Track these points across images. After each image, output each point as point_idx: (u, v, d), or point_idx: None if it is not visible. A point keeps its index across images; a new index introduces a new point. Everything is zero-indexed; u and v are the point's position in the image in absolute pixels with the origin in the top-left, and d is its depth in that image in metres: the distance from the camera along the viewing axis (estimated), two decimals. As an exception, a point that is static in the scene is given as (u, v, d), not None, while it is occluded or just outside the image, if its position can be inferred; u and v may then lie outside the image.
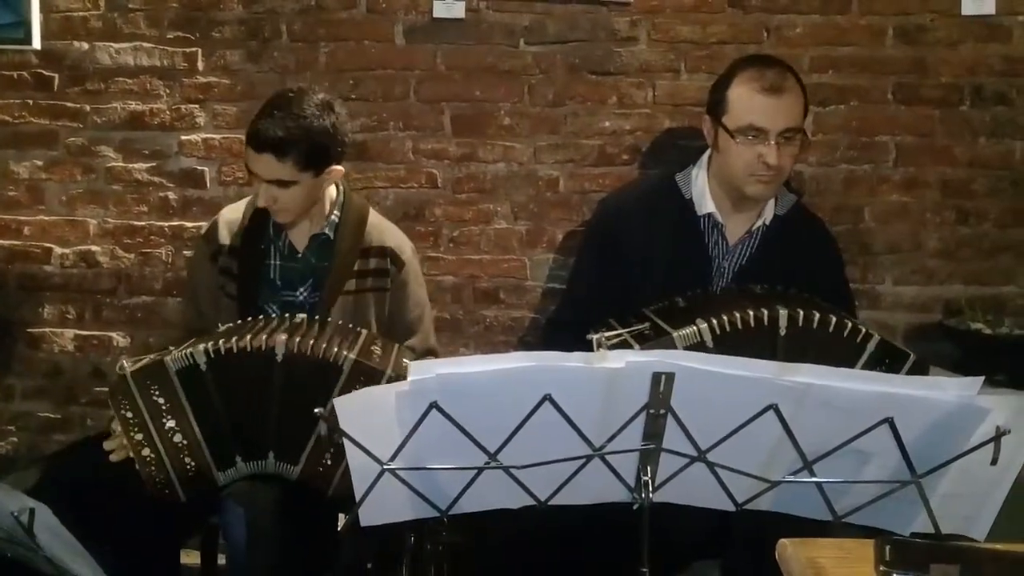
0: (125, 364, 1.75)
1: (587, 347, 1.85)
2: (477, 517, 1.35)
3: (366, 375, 1.71)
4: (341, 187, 2.12)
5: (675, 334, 1.69)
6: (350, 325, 1.92)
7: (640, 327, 1.76)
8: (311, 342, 1.76)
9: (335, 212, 2.08)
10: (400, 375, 1.66)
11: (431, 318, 2.21)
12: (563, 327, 2.12)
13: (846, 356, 1.73)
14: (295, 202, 1.97)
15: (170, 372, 1.74)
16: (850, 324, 1.75)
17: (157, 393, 1.74)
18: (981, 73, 2.44)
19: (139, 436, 1.74)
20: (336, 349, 1.75)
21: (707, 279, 2.04)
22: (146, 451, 1.75)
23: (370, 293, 2.06)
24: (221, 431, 1.77)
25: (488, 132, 2.52)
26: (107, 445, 1.82)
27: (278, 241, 2.08)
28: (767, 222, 2.06)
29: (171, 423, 1.75)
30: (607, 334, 1.73)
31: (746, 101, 1.94)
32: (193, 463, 1.77)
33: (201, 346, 1.75)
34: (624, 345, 1.69)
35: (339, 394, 1.64)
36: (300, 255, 2.08)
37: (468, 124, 2.52)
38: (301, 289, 2.07)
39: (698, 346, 1.70)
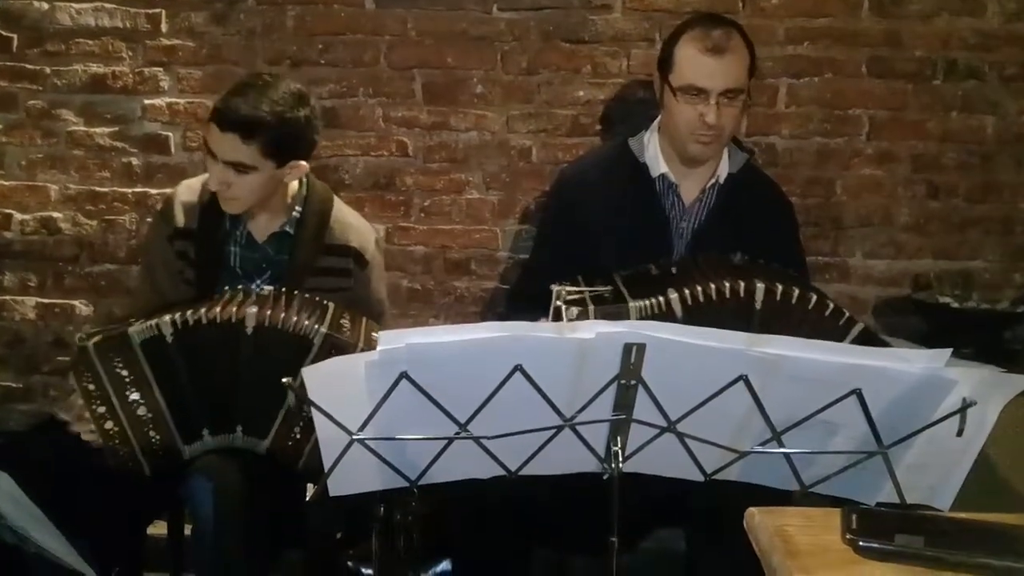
0: (85, 336, 1.71)
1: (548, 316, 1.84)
2: (447, 487, 1.35)
3: (338, 349, 1.68)
4: (305, 180, 2.03)
5: (631, 304, 1.69)
6: (316, 298, 1.85)
7: (602, 289, 1.74)
8: (281, 315, 1.73)
9: (297, 207, 2.00)
10: (371, 349, 1.65)
11: (389, 315, 2.18)
12: (524, 299, 2.11)
13: (828, 337, 1.72)
14: (248, 191, 1.87)
15: (134, 344, 1.70)
16: (832, 305, 1.74)
17: (120, 365, 1.70)
18: (954, 47, 2.44)
19: (102, 409, 1.71)
20: (307, 323, 1.72)
21: (667, 241, 2.04)
22: (109, 424, 1.71)
23: (330, 292, 1.98)
24: (187, 404, 1.74)
25: (460, 100, 2.49)
26: (63, 415, 1.79)
27: (235, 230, 1.99)
28: (720, 180, 2.07)
29: (135, 396, 1.71)
30: (569, 288, 1.72)
31: (689, 61, 1.95)
32: (158, 436, 1.74)
33: (167, 317, 1.71)
34: (582, 304, 1.68)
35: None
36: (259, 245, 2.01)
37: (440, 92, 2.48)
38: (259, 281, 2.00)
39: (660, 316, 1.68)
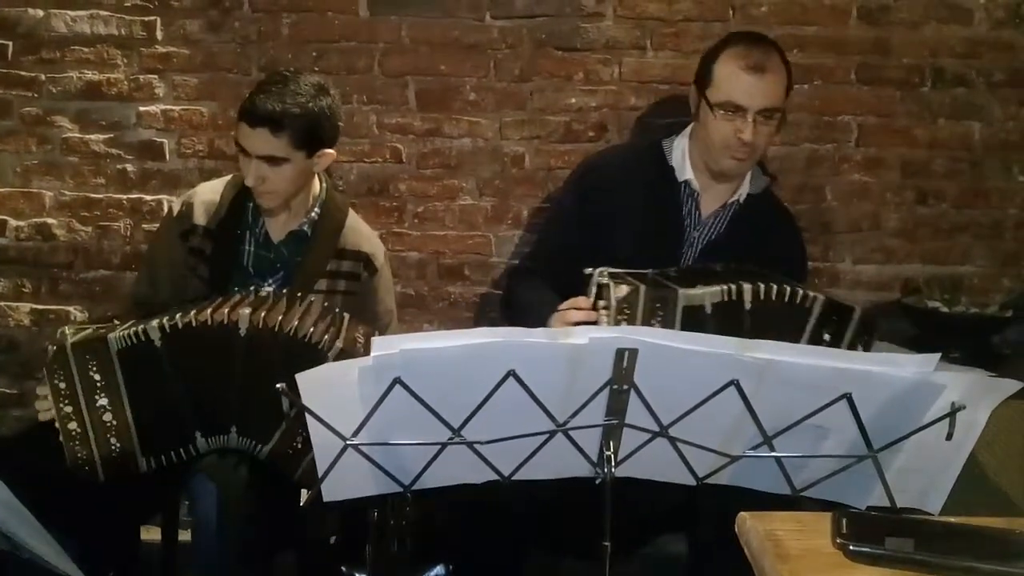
0: (67, 331, 1.71)
1: (553, 292, 1.90)
2: (441, 492, 1.36)
3: None
4: (324, 184, 2.10)
5: (680, 290, 1.71)
6: (326, 304, 1.87)
7: (644, 272, 1.77)
8: (279, 317, 1.74)
9: (315, 209, 2.06)
10: None
11: (397, 327, 2.20)
12: (532, 274, 2.14)
13: (796, 322, 1.76)
14: (284, 183, 1.94)
15: (111, 350, 1.70)
16: (800, 291, 1.78)
17: (94, 368, 1.70)
18: (942, 55, 2.47)
19: (68, 409, 1.70)
20: (314, 329, 1.73)
21: (677, 247, 2.05)
22: (72, 424, 1.71)
23: (340, 296, 2.03)
24: (176, 408, 1.74)
25: (453, 107, 2.50)
26: (38, 404, 1.78)
27: (255, 228, 2.05)
28: (741, 200, 2.08)
29: (103, 401, 1.71)
30: (609, 269, 1.75)
31: (728, 77, 1.95)
32: (119, 445, 1.72)
33: (155, 321, 1.71)
34: (626, 283, 1.71)
35: None
36: (274, 245, 2.05)
37: (433, 99, 2.50)
38: (271, 280, 2.04)
39: (727, 303, 1.72)
